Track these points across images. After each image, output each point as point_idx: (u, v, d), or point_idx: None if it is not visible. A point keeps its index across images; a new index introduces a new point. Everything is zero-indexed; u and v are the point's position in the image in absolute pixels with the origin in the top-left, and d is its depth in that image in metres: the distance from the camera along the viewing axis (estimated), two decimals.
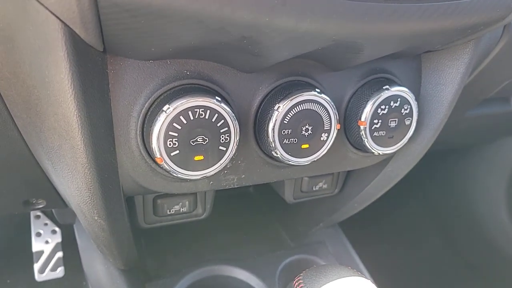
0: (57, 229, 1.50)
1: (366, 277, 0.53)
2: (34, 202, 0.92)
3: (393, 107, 0.63)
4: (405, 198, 1.98)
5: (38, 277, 1.45)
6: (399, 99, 0.63)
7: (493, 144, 1.68)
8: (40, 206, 0.93)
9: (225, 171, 0.59)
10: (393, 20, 0.46)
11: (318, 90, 0.57)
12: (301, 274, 0.54)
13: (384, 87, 0.62)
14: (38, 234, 1.48)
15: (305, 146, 0.58)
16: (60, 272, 1.48)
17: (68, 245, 1.48)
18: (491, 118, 1.13)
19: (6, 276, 1.50)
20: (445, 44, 0.63)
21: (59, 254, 1.49)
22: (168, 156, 0.50)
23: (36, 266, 1.47)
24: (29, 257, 1.46)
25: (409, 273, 1.82)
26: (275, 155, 0.58)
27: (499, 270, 1.83)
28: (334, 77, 0.62)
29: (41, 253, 1.47)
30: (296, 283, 0.53)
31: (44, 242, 1.48)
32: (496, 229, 1.81)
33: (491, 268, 1.86)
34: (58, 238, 1.49)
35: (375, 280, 0.93)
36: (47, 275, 1.47)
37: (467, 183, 1.87)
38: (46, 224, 1.52)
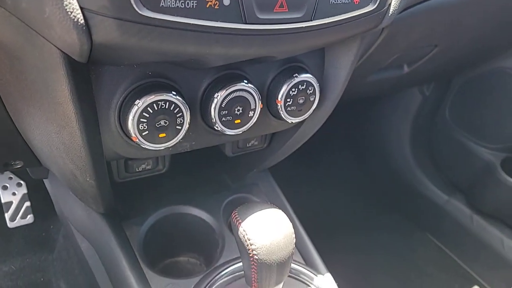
0: (22, 182, 1.62)
1: (280, 209, 0.78)
2: (12, 163, 1.04)
3: (300, 89, 0.84)
4: (327, 138, 2.27)
5: (10, 224, 1.59)
6: (305, 83, 0.84)
7: (400, 93, 2.00)
8: (18, 166, 1.06)
9: (181, 141, 0.80)
10: (292, 42, 0.67)
11: (246, 81, 0.77)
12: (237, 210, 0.77)
13: (294, 75, 0.83)
14: (5, 188, 1.58)
15: (237, 121, 0.79)
16: (30, 218, 1.62)
17: (32, 195, 1.61)
18: (390, 80, 1.40)
19: None
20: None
21: (27, 203, 1.61)
22: (140, 135, 0.68)
23: (7, 215, 1.59)
24: None
25: (327, 201, 2.15)
26: (217, 128, 0.78)
27: (404, 200, 2.22)
28: (259, 67, 0.82)
29: (10, 203, 1.58)
30: (233, 216, 0.77)
31: (12, 193, 1.59)
32: (402, 163, 2.17)
33: (397, 198, 2.25)
34: (24, 190, 1.60)
35: (296, 209, 1.21)
36: (18, 222, 1.60)
37: (380, 124, 2.18)
38: (10, 178, 1.62)
